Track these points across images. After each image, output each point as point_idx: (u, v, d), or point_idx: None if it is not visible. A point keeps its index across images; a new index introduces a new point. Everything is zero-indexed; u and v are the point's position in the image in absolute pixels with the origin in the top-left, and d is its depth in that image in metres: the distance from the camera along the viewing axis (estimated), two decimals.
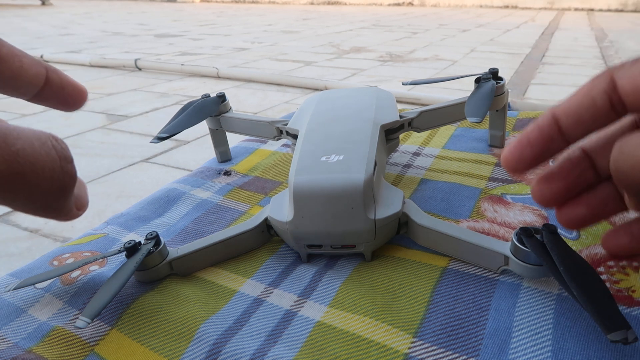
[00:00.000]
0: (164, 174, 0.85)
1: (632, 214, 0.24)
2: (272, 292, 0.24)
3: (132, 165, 0.90)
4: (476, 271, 0.25)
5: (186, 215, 0.33)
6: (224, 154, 0.42)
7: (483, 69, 1.71)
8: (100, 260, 0.28)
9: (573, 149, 0.22)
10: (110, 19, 3.99)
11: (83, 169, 0.88)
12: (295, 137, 0.34)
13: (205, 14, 4.53)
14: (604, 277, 0.23)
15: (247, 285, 0.25)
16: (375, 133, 0.29)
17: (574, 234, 0.27)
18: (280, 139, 0.37)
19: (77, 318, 0.22)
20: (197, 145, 0.99)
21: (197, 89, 1.49)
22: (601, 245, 0.25)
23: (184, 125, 0.35)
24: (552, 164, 0.23)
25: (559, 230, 0.23)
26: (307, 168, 0.26)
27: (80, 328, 0.21)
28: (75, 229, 0.67)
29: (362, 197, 0.24)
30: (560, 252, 0.21)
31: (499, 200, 0.32)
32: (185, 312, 0.23)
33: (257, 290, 0.25)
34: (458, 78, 0.39)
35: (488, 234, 0.28)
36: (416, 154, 0.40)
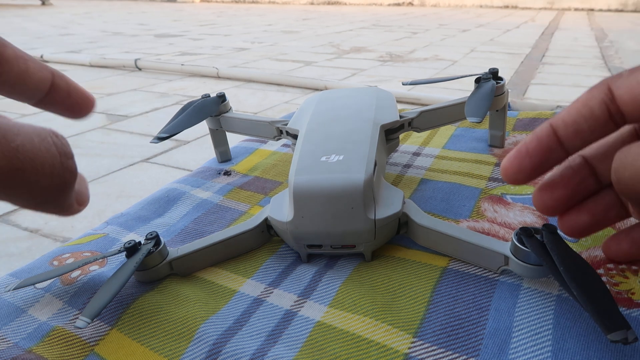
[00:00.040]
0: (164, 174, 0.85)
1: (633, 220, 0.24)
2: (272, 292, 0.24)
3: (132, 165, 0.90)
4: (476, 271, 0.25)
5: (186, 215, 0.33)
6: (224, 154, 0.42)
7: (483, 69, 1.71)
8: (100, 260, 0.28)
9: (573, 157, 0.22)
10: (110, 19, 3.99)
11: (83, 169, 0.88)
12: (295, 137, 0.34)
13: (205, 14, 4.53)
14: (603, 279, 0.23)
15: (247, 285, 0.25)
16: (375, 133, 0.29)
17: None
18: (280, 139, 0.37)
19: (77, 318, 0.22)
20: (197, 145, 0.99)
21: (197, 89, 1.49)
22: (602, 250, 0.25)
23: (184, 125, 0.35)
24: (553, 172, 0.23)
25: (558, 230, 0.23)
26: (307, 168, 0.26)
27: (80, 328, 0.21)
28: (75, 229, 0.67)
29: (362, 197, 0.24)
30: (560, 252, 0.21)
31: (499, 200, 0.32)
32: (185, 312, 0.23)
33: (257, 290, 0.25)
34: (458, 78, 0.39)
35: (488, 234, 0.28)
36: (416, 154, 0.40)
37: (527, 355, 0.19)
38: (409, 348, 0.20)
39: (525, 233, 0.22)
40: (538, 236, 0.22)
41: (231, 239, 0.27)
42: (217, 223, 0.32)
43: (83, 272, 0.27)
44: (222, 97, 0.39)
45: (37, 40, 2.59)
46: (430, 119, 0.35)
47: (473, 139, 0.42)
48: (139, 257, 0.24)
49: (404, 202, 0.27)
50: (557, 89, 1.40)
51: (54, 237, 0.65)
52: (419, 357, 0.20)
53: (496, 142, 0.40)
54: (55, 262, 0.28)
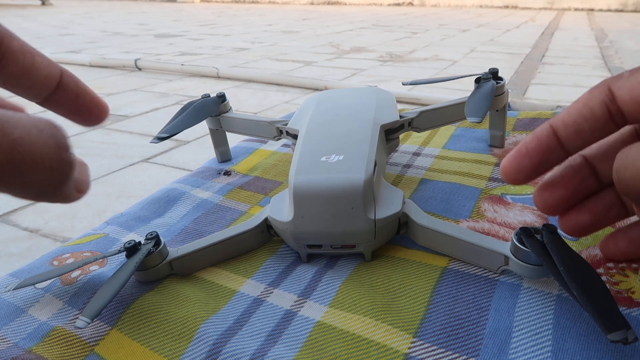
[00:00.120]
0: (164, 174, 0.85)
1: (632, 219, 0.24)
2: (272, 292, 0.24)
3: (132, 165, 0.90)
4: (476, 271, 0.25)
5: (186, 215, 0.33)
6: (224, 154, 0.42)
7: (483, 69, 1.71)
8: (100, 260, 0.28)
9: (574, 157, 0.22)
10: (110, 19, 3.99)
11: None
12: (295, 137, 0.34)
13: (205, 14, 4.53)
14: (603, 278, 0.23)
15: (247, 285, 0.25)
16: (375, 133, 0.29)
17: None
18: (280, 139, 0.37)
19: (77, 318, 0.22)
20: (197, 145, 0.99)
21: (197, 89, 1.49)
22: (599, 249, 0.25)
23: (184, 126, 0.35)
24: (554, 172, 0.23)
25: (558, 230, 0.23)
26: (307, 168, 0.26)
27: (80, 328, 0.21)
28: (75, 229, 0.67)
29: (362, 197, 0.24)
30: (560, 252, 0.21)
31: (499, 200, 0.32)
32: (185, 312, 0.23)
33: (257, 290, 0.25)
34: (458, 78, 0.39)
35: (488, 234, 0.28)
36: (416, 154, 0.40)
37: (527, 355, 0.19)
38: (409, 348, 0.20)
39: (525, 233, 0.22)
40: (538, 236, 0.22)
41: (231, 239, 0.27)
42: (217, 223, 0.32)
43: (83, 272, 0.27)
44: (222, 97, 0.39)
45: (37, 40, 2.59)
46: (430, 119, 0.35)
47: (473, 139, 0.42)
48: (139, 257, 0.24)
49: (404, 202, 0.27)
50: (557, 89, 1.40)
51: (54, 237, 0.65)
52: (419, 357, 0.20)
53: (496, 142, 0.40)
54: (55, 262, 0.28)
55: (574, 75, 1.57)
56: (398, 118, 0.33)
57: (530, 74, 1.60)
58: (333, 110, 0.33)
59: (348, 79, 1.60)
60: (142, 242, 0.25)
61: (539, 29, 2.91)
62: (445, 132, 0.44)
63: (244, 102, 1.32)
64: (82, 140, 1.04)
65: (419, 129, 0.35)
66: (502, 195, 0.32)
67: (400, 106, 1.10)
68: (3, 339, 0.22)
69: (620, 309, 0.21)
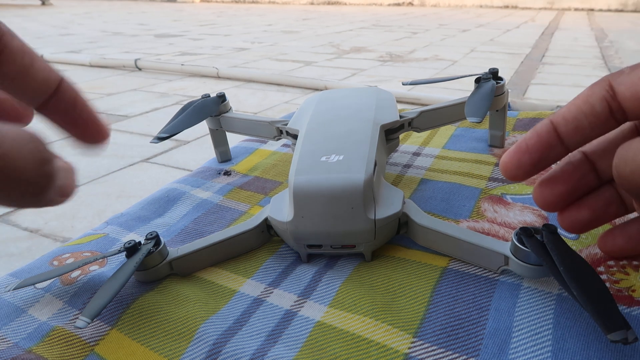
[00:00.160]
0: (164, 174, 0.85)
1: (630, 215, 0.24)
2: (272, 292, 0.24)
3: (132, 165, 0.90)
4: (476, 271, 0.25)
5: (186, 215, 0.33)
6: (224, 154, 0.42)
7: (483, 69, 1.71)
8: (100, 260, 0.28)
9: (573, 153, 0.22)
10: (110, 19, 3.99)
11: (83, 169, 0.88)
12: (295, 137, 0.34)
13: (205, 14, 4.53)
14: (603, 276, 0.23)
15: (247, 285, 0.25)
16: (375, 133, 0.29)
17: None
18: (280, 139, 0.37)
19: (77, 318, 0.22)
20: (197, 145, 0.99)
21: (197, 89, 1.49)
22: (597, 245, 0.25)
23: (184, 126, 0.35)
24: (553, 167, 0.23)
25: (558, 230, 0.23)
26: (307, 168, 0.26)
27: (80, 328, 0.21)
28: (75, 229, 0.67)
29: (362, 197, 0.24)
30: (560, 252, 0.21)
31: (499, 200, 0.32)
32: (185, 312, 0.23)
33: (257, 290, 0.25)
34: (458, 78, 0.39)
35: (488, 234, 0.28)
36: (416, 154, 0.40)
37: (527, 355, 0.19)
38: (409, 348, 0.20)
39: (525, 233, 0.22)
40: (538, 236, 0.22)
41: (231, 239, 0.27)
42: (217, 223, 0.32)
43: (83, 272, 0.27)
44: (222, 97, 0.39)
45: (37, 40, 2.59)
46: (430, 119, 0.35)
47: (473, 139, 0.42)
48: (139, 257, 0.24)
49: (404, 202, 0.27)
50: (557, 89, 1.39)
51: (54, 237, 0.65)
52: (419, 357, 0.20)
53: (496, 142, 0.40)
54: (55, 262, 0.28)
55: (574, 75, 1.57)
56: (398, 118, 0.33)
57: (530, 74, 1.60)
58: (333, 110, 0.33)
59: (348, 79, 1.60)
60: (142, 242, 0.25)
61: (539, 29, 2.91)
62: (445, 132, 0.44)
63: (244, 102, 1.32)
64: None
65: (419, 129, 0.35)
66: (502, 195, 0.32)
67: (400, 106, 1.10)
68: (3, 339, 0.22)
69: (621, 308, 0.21)
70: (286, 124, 0.36)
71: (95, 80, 1.61)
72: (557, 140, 0.20)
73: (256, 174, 0.38)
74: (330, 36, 2.73)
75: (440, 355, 0.20)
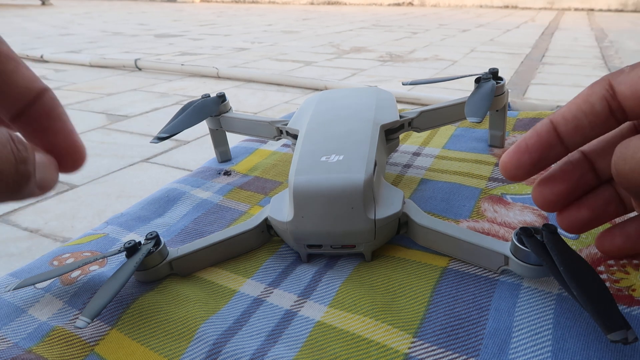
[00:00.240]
0: (164, 174, 0.85)
1: (629, 214, 0.24)
2: (272, 292, 0.24)
3: (132, 165, 0.90)
4: (476, 271, 0.25)
5: (186, 215, 0.33)
6: (224, 154, 0.42)
7: (483, 69, 1.71)
8: (100, 260, 0.28)
9: (573, 152, 0.22)
10: (110, 19, 3.99)
11: (83, 169, 0.88)
12: (295, 137, 0.34)
13: (205, 14, 4.53)
14: (604, 276, 0.23)
15: (247, 285, 0.25)
16: (375, 133, 0.29)
17: None
18: (280, 139, 0.37)
19: (77, 318, 0.22)
20: (197, 145, 0.99)
21: (197, 89, 1.49)
22: (595, 245, 0.25)
23: (184, 126, 0.35)
24: (552, 167, 0.23)
25: (558, 230, 0.23)
26: (307, 168, 0.26)
27: (80, 328, 0.21)
28: (75, 229, 0.67)
29: (362, 197, 0.24)
30: (560, 252, 0.21)
31: (499, 200, 0.32)
32: (185, 312, 0.23)
33: (257, 290, 0.25)
34: (458, 78, 0.39)
35: (488, 234, 0.28)
36: (416, 154, 0.40)
37: (527, 355, 0.19)
38: (409, 348, 0.20)
39: (525, 233, 0.22)
40: (538, 236, 0.22)
41: (231, 239, 0.27)
42: (217, 223, 0.32)
43: (83, 272, 0.27)
44: (222, 97, 0.39)
45: (37, 40, 2.59)
46: (430, 119, 0.35)
47: (473, 139, 0.42)
48: (139, 257, 0.24)
49: (404, 202, 0.27)
50: (557, 89, 1.39)
51: (54, 237, 0.65)
52: (419, 357, 0.20)
53: (496, 142, 0.40)
54: (55, 262, 0.28)
55: (574, 75, 1.57)
56: (398, 118, 0.33)
57: (530, 74, 1.60)
58: (333, 110, 0.33)
59: (348, 79, 1.60)
60: (142, 242, 0.25)
61: (539, 29, 2.91)
62: (445, 132, 0.44)
63: (244, 102, 1.32)
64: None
65: (419, 129, 0.35)
66: (502, 195, 0.32)
67: (400, 106, 1.10)
68: (3, 339, 0.22)
69: (621, 308, 0.21)
70: (286, 124, 0.36)
71: (95, 80, 1.61)
72: (557, 139, 0.20)
73: (256, 174, 0.38)
74: (330, 36, 2.73)
75: (440, 355, 0.20)
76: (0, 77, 0.16)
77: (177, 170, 0.87)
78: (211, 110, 0.38)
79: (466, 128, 0.45)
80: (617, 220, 0.27)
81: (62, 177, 0.82)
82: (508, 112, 0.43)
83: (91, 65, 1.84)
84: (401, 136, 0.44)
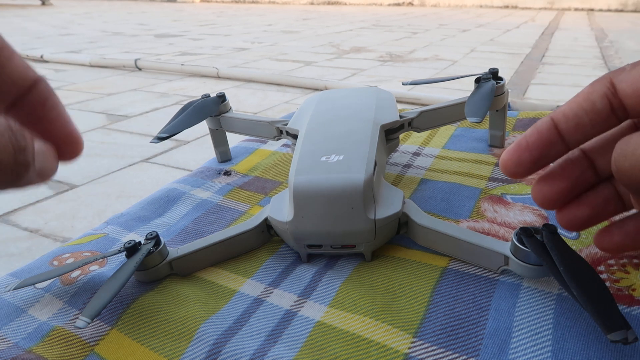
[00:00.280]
0: (164, 174, 0.85)
1: (628, 212, 0.24)
2: (272, 292, 0.24)
3: (132, 165, 0.90)
4: (476, 271, 0.25)
5: (186, 215, 0.33)
6: (224, 154, 0.42)
7: (483, 69, 1.71)
8: (100, 260, 0.28)
9: (572, 150, 0.22)
10: (110, 19, 3.99)
11: (83, 168, 0.88)
12: (295, 137, 0.34)
13: (205, 14, 4.53)
14: (604, 275, 0.23)
15: (247, 285, 0.25)
16: (375, 133, 0.29)
17: (574, 233, 0.27)
18: (280, 139, 0.37)
19: (77, 318, 0.22)
20: (197, 145, 0.99)
21: (197, 89, 1.49)
22: (594, 242, 0.24)
23: (184, 126, 0.35)
24: (552, 165, 0.23)
25: (559, 230, 0.23)
26: (307, 168, 0.26)
27: (80, 328, 0.21)
28: (75, 229, 0.67)
29: (362, 197, 0.24)
30: (560, 252, 0.21)
31: (499, 200, 0.32)
32: (185, 312, 0.23)
33: (257, 290, 0.25)
34: (458, 78, 0.39)
35: (488, 234, 0.28)
36: (416, 154, 0.40)
37: (527, 355, 0.19)
38: (409, 348, 0.20)
39: (525, 233, 0.22)
40: (538, 236, 0.22)
41: (231, 239, 0.27)
42: (217, 223, 0.32)
43: (83, 272, 0.27)
44: (222, 97, 0.39)
45: (37, 40, 2.59)
46: (430, 119, 0.35)
47: (473, 139, 0.42)
48: (139, 257, 0.24)
49: (404, 202, 0.27)
50: (557, 89, 1.39)
51: (54, 237, 0.65)
52: (419, 357, 0.20)
53: (496, 142, 0.40)
54: (55, 262, 0.28)
55: (574, 75, 1.57)
56: (398, 118, 0.33)
57: (530, 74, 1.60)
58: (333, 110, 0.33)
59: (348, 79, 1.59)
60: (142, 242, 0.25)
61: (539, 29, 2.91)
62: (445, 132, 0.44)
63: (244, 102, 1.32)
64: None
65: (419, 129, 0.35)
66: (502, 195, 0.32)
67: (400, 106, 1.10)
68: (3, 339, 0.22)
69: (621, 308, 0.21)
70: (286, 124, 0.36)
71: (95, 80, 1.61)
72: (558, 137, 0.20)
73: (256, 174, 0.38)
74: (330, 36, 2.73)
75: (440, 355, 0.20)
76: None
77: (177, 170, 0.87)
78: (211, 110, 0.38)
79: (466, 128, 0.45)
80: (616, 217, 0.27)
81: (62, 177, 0.82)
82: (508, 112, 0.43)
83: (91, 65, 1.84)
84: (401, 136, 0.44)
